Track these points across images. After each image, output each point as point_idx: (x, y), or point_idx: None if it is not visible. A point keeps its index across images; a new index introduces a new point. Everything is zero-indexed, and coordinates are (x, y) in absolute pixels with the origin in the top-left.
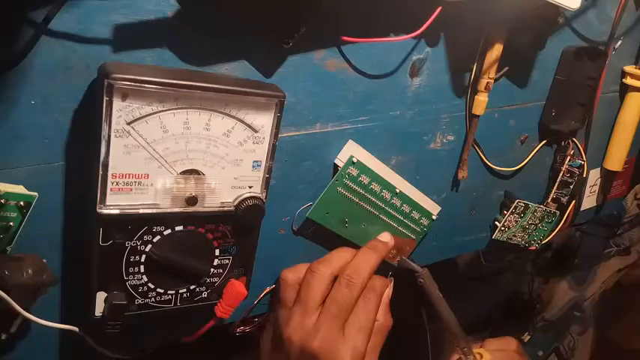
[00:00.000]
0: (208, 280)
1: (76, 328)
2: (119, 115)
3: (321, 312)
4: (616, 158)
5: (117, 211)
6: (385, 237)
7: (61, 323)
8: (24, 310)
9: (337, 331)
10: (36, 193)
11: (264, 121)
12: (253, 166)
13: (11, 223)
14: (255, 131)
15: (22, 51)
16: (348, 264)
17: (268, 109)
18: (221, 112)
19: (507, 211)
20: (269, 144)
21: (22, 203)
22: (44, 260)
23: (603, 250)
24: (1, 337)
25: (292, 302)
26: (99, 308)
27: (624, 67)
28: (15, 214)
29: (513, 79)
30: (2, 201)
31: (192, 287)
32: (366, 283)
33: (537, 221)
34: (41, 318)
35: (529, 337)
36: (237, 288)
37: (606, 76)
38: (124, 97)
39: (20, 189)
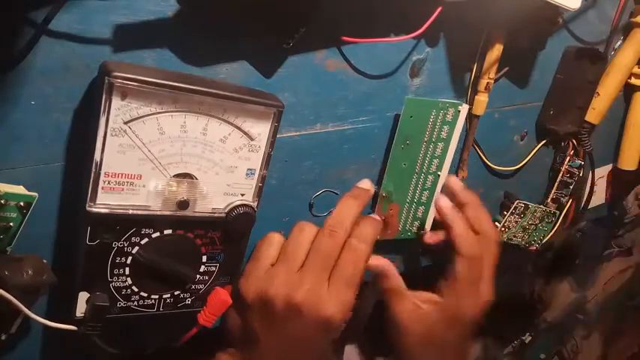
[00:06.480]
0: (193, 286)
1: (75, 328)
2: (117, 113)
3: (305, 264)
4: (630, 157)
5: (106, 210)
6: (365, 184)
7: (61, 323)
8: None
9: (322, 282)
10: (36, 194)
11: (261, 129)
12: (247, 174)
13: (11, 224)
14: (252, 139)
15: (22, 51)
16: (330, 215)
17: (266, 118)
18: (219, 118)
19: (507, 212)
20: (264, 153)
21: (22, 204)
22: (44, 260)
23: (604, 251)
24: (1, 337)
25: (274, 260)
26: (80, 309)
27: None
28: (15, 215)
29: (513, 79)
30: (2, 201)
31: (176, 293)
32: (349, 231)
33: (537, 222)
34: (41, 318)
35: (530, 338)
36: (221, 296)
37: None
38: (124, 96)
39: (20, 189)
